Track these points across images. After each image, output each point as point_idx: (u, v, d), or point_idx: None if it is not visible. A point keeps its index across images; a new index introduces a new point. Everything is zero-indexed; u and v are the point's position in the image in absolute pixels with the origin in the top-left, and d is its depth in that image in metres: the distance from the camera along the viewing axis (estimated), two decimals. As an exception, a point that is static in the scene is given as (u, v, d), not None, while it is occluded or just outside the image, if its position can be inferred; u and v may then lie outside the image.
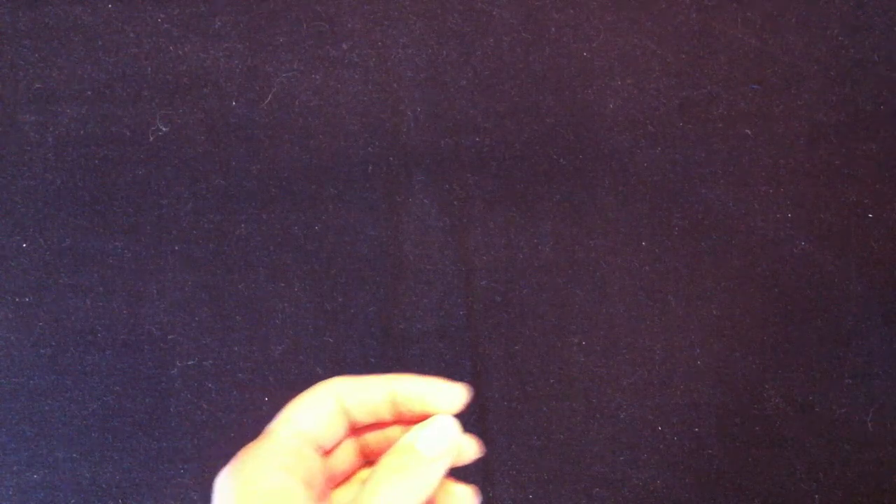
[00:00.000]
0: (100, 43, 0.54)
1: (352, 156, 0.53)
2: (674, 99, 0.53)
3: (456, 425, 0.33)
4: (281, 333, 0.53)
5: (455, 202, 0.53)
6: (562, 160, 0.53)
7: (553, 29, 0.54)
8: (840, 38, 0.53)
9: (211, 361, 0.53)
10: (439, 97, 0.53)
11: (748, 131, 0.53)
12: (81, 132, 0.54)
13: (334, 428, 0.33)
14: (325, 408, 0.34)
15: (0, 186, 0.53)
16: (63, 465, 0.52)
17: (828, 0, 0.53)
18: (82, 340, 0.53)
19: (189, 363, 0.53)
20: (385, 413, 0.34)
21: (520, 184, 0.53)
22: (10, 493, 0.53)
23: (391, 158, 0.53)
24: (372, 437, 0.35)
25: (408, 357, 0.53)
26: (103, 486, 0.52)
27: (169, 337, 0.53)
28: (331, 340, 0.53)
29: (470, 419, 0.52)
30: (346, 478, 0.35)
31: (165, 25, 0.54)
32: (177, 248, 0.53)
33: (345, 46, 0.54)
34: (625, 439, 0.53)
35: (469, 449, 0.34)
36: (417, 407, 0.33)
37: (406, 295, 0.53)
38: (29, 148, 0.53)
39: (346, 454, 0.35)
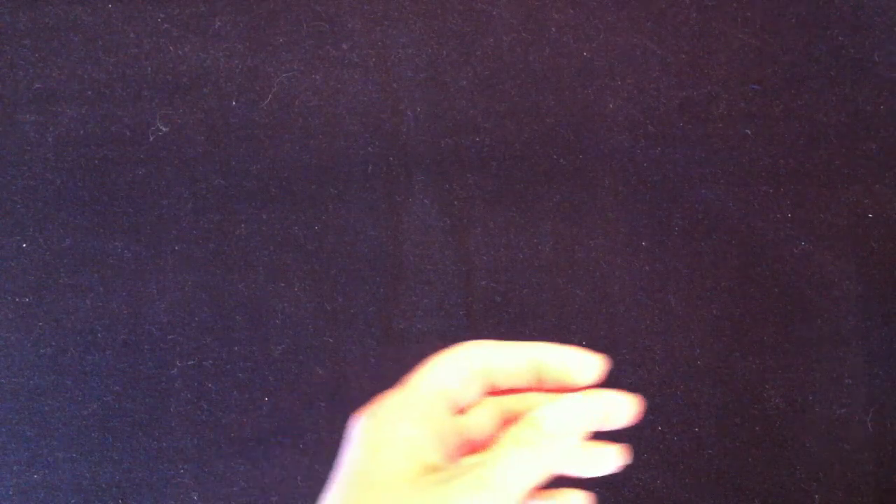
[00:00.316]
0: (100, 43, 0.54)
1: (352, 156, 0.53)
2: (674, 99, 0.53)
3: (587, 403, 0.33)
4: (281, 333, 0.53)
5: (455, 202, 0.53)
6: (562, 160, 0.53)
7: (553, 29, 0.54)
8: (840, 38, 0.53)
9: (211, 361, 0.53)
10: (439, 97, 0.53)
11: (748, 131, 0.53)
12: (81, 132, 0.54)
13: (471, 388, 0.34)
14: (463, 368, 0.33)
15: (0, 186, 0.53)
16: (63, 465, 0.52)
17: (828, 0, 0.53)
18: (82, 340, 0.53)
19: (189, 363, 0.53)
20: (526, 379, 0.34)
21: (520, 184, 0.53)
22: (10, 493, 0.53)
23: (391, 158, 0.53)
24: (514, 404, 0.35)
25: (408, 357, 0.53)
26: (103, 486, 0.52)
27: (169, 337, 0.53)
28: (331, 340, 0.53)
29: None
30: (484, 444, 0.35)
31: (165, 25, 0.54)
32: (177, 248, 0.53)
33: (345, 46, 0.54)
34: (625, 439, 0.53)
35: (622, 410, 0.34)
36: (557, 376, 0.34)
37: (406, 295, 0.53)
38: (29, 148, 0.53)
39: (487, 419, 0.35)
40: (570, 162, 0.53)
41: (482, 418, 0.35)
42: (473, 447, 0.34)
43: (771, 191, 0.53)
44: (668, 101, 0.53)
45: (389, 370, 0.54)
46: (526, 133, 0.53)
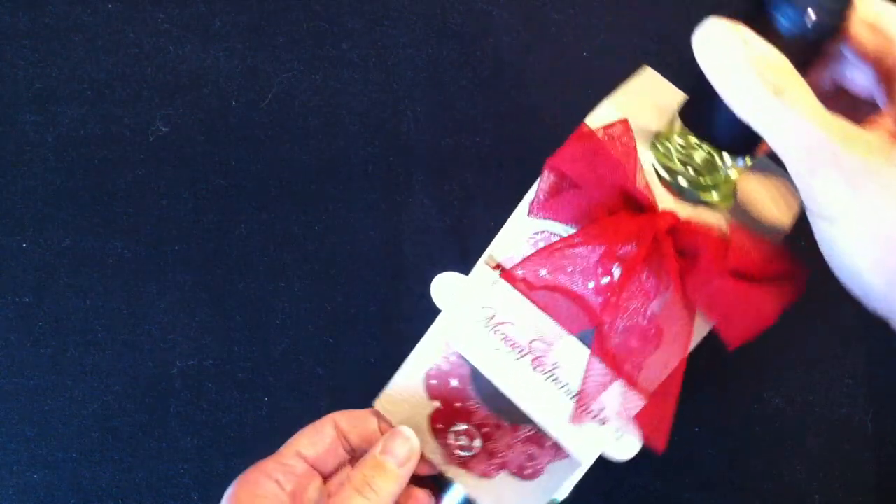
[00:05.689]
0: (100, 43, 0.54)
1: (352, 156, 0.53)
2: (674, 99, 0.53)
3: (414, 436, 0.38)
4: (281, 333, 0.53)
5: (455, 202, 0.53)
6: (562, 160, 0.53)
7: (553, 29, 0.54)
8: (840, 38, 0.53)
9: (211, 361, 0.53)
10: (439, 97, 0.53)
11: (748, 131, 0.53)
12: (81, 132, 0.54)
13: (328, 451, 0.39)
14: (320, 438, 0.39)
15: (0, 186, 0.53)
16: (63, 465, 0.52)
17: (828, 0, 0.53)
18: (82, 340, 0.53)
19: (189, 363, 0.53)
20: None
21: (520, 184, 0.53)
22: (10, 493, 0.53)
23: (391, 158, 0.53)
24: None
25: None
26: (103, 486, 0.52)
27: (169, 337, 0.53)
28: (331, 340, 0.53)
29: (470, 419, 0.52)
30: None
31: (165, 25, 0.54)
32: (177, 248, 0.53)
33: (345, 46, 0.54)
34: (625, 439, 0.53)
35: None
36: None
37: (406, 295, 0.53)
38: (29, 148, 0.53)
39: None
40: (570, 162, 0.53)
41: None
42: None
43: (771, 191, 0.52)
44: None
45: (390, 370, 0.54)
46: (526, 133, 0.53)
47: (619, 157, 0.31)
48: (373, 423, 0.41)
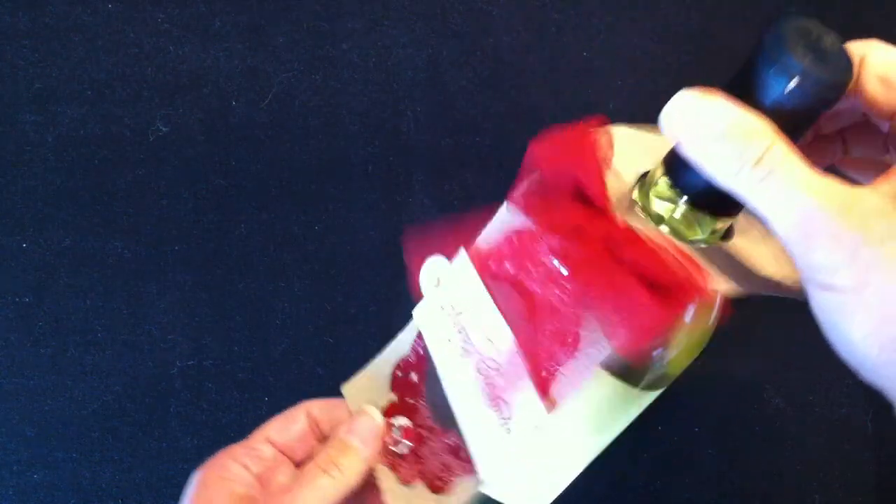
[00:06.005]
0: (100, 43, 0.54)
1: (352, 156, 0.53)
2: (674, 99, 0.53)
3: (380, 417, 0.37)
4: (281, 333, 0.53)
5: (455, 202, 0.53)
6: (562, 160, 0.53)
7: (553, 29, 0.54)
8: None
9: (211, 361, 0.53)
10: (439, 97, 0.53)
11: (748, 131, 0.53)
12: (81, 132, 0.54)
13: (297, 438, 0.39)
14: (289, 424, 0.39)
15: (0, 186, 0.53)
16: (63, 465, 0.52)
17: (827, 0, 0.53)
18: (82, 340, 0.53)
19: (189, 363, 0.53)
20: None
21: (520, 184, 0.53)
22: (10, 493, 0.53)
23: (391, 158, 0.53)
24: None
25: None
26: (103, 486, 0.52)
27: (169, 337, 0.53)
28: (331, 340, 0.53)
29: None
30: None
31: (165, 25, 0.54)
32: (177, 248, 0.53)
33: (345, 46, 0.54)
34: (625, 439, 0.53)
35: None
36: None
37: (406, 295, 0.53)
38: (29, 148, 0.53)
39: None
40: (570, 162, 0.53)
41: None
42: None
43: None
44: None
45: (389, 370, 0.54)
46: (526, 133, 0.53)
47: (589, 159, 0.31)
48: (344, 412, 0.40)
